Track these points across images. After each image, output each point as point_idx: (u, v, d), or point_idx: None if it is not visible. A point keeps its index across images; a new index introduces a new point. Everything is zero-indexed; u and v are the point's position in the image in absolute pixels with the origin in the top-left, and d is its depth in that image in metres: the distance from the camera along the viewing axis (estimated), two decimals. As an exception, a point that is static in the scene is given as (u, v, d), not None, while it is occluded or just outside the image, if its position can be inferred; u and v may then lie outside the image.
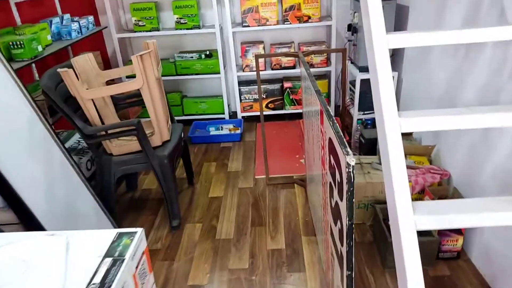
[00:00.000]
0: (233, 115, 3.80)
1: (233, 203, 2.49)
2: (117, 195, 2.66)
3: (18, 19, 2.40)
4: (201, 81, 3.79)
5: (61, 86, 2.04)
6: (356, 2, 2.78)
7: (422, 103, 2.55)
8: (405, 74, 2.78)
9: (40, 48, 2.18)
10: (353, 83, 3.09)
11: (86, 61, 2.23)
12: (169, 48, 3.68)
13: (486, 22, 1.73)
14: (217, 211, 2.42)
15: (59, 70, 1.92)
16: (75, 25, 2.58)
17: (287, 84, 3.53)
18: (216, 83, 3.77)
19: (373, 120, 2.97)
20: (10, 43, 2.02)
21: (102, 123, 2.23)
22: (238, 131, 3.42)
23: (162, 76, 3.49)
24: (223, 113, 3.66)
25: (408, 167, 2.12)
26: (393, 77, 2.78)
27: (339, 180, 1.19)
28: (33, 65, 2.48)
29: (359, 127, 2.92)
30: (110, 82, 2.39)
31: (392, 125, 1.23)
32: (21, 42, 2.01)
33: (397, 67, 2.85)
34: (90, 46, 3.35)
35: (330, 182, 1.39)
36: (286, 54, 2.30)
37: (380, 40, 1.31)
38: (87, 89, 2.03)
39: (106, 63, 3.67)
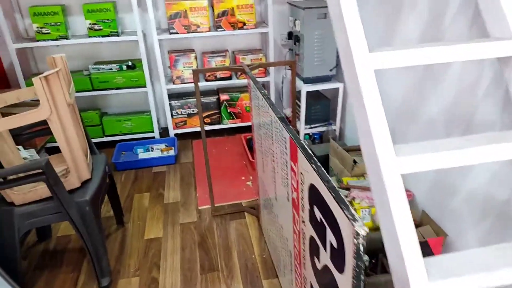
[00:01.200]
0: (163, 132, 3.38)
1: (176, 244, 2.10)
2: (26, 247, 2.12)
3: None
4: (123, 96, 3.30)
5: None
6: (296, 8, 2.57)
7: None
8: (351, 84, 2.63)
9: None
10: (298, 95, 2.88)
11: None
12: (82, 58, 3.13)
13: (453, 34, 1.59)
14: (156, 257, 2.02)
15: None
16: (-50, 34, 1.98)
17: (223, 97, 3.21)
18: (142, 97, 3.32)
19: (321, 134, 2.79)
20: None
21: (-4, 164, 1.70)
22: (172, 152, 3.02)
23: (76, 92, 2.95)
24: (152, 131, 3.22)
25: (358, 187, 1.94)
26: (338, 88, 2.62)
27: (335, 246, 0.91)
28: None
29: (306, 143, 2.71)
30: (5, 110, 1.85)
31: (389, 167, 0.98)
32: None
33: (341, 77, 2.69)
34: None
35: (312, 237, 1.11)
36: (230, 69, 1.98)
37: (362, 61, 1.05)
38: (-31, 122, 1.50)
39: (3, 81, 3.00)
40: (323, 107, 2.73)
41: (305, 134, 2.73)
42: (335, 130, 2.74)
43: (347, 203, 0.84)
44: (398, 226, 0.92)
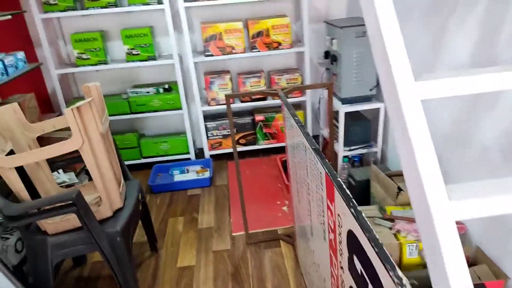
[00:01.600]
0: (199, 153, 3.36)
1: (208, 274, 2.03)
2: (61, 272, 2.13)
3: None
4: (160, 118, 3.33)
5: (-30, 152, 1.53)
6: (333, 27, 2.47)
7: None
8: (393, 104, 2.47)
9: None
10: (335, 115, 2.76)
11: (8, 113, 1.73)
12: (121, 82, 3.20)
13: (510, 56, 1.43)
14: (189, 287, 1.95)
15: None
16: (-4, 65, 2.07)
17: (259, 117, 3.15)
18: (178, 119, 3.33)
19: (361, 157, 2.64)
20: None
21: (34, 191, 1.72)
22: (207, 174, 2.98)
23: (114, 115, 3.02)
24: (188, 153, 3.21)
25: (404, 219, 1.78)
26: (379, 108, 2.47)
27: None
28: None
29: (346, 166, 2.58)
30: (44, 137, 1.89)
31: (442, 213, 0.85)
32: None
33: (382, 97, 2.54)
34: (25, 86, 2.81)
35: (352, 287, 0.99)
36: (264, 93, 1.92)
37: (408, 91, 0.93)
38: (7, 154, 1.53)
39: (47, 105, 3.12)
40: (363, 128, 2.59)
41: (344, 157, 2.60)
42: (376, 152, 2.58)
43: (393, 263, 0.73)
44: (449, 268, 0.79)
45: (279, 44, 2.92)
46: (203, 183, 2.89)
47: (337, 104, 2.54)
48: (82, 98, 3.00)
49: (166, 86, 3.05)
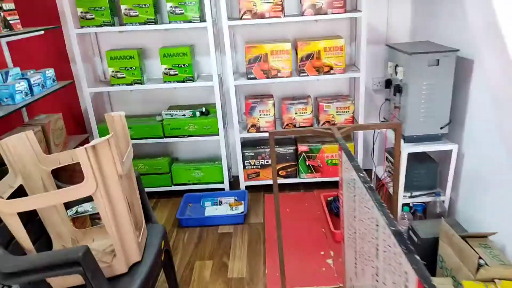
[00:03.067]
0: (234, 181, 3.07)
1: None
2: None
3: None
4: (195, 143, 3.08)
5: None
6: (398, 53, 2.12)
7: (493, 189, 1.82)
8: (467, 147, 2.06)
9: None
10: (391, 152, 2.38)
11: (22, 143, 1.51)
12: (156, 102, 2.99)
13: None
14: None
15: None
16: (21, 85, 1.88)
17: (302, 148, 2.82)
18: (214, 144, 3.07)
19: (425, 206, 2.23)
20: None
21: (37, 238, 1.48)
22: (241, 207, 2.67)
23: (146, 138, 2.80)
24: (222, 182, 2.92)
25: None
26: (451, 150, 2.07)
27: None
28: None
29: (406, 216, 2.17)
30: (62, 170, 1.66)
31: None
32: None
33: (455, 137, 2.14)
34: (56, 104, 2.66)
35: None
36: (315, 131, 1.58)
37: None
38: (16, 191, 1.30)
39: (80, 125, 2.96)
40: (428, 171, 2.19)
41: (404, 205, 2.20)
42: (443, 201, 2.17)
43: None
44: None
45: (331, 68, 2.60)
46: (237, 220, 2.58)
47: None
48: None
49: (203, 110, 2.80)
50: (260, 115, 2.74)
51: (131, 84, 2.65)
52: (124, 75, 2.63)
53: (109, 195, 1.32)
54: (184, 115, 2.80)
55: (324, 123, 2.74)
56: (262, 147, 2.88)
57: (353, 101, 2.73)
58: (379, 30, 2.76)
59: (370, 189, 1.07)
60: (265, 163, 2.87)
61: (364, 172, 1.17)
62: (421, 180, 2.19)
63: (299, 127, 2.75)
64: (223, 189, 2.94)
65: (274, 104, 2.73)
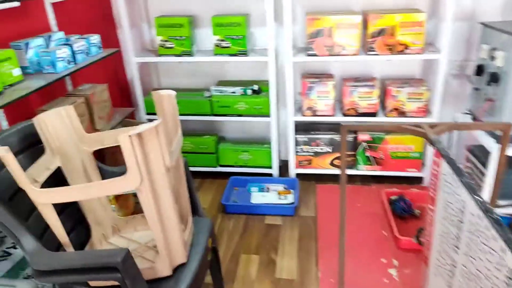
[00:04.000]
0: (283, 167, 2.84)
1: None
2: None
3: (-26, 43, 1.56)
4: (243, 123, 2.86)
5: (5, 175, 1.16)
6: (498, 33, 1.74)
7: None
8: None
9: None
10: (475, 152, 2.04)
11: (59, 119, 1.34)
12: (205, 75, 2.77)
13: None
14: None
15: (-9, 151, 1.03)
16: (63, 51, 1.71)
17: (363, 136, 2.52)
18: (264, 126, 2.83)
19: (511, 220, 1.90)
20: None
21: (75, 224, 1.33)
22: (290, 197, 2.45)
23: (192, 115, 2.61)
24: (271, 167, 2.70)
25: None
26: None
27: None
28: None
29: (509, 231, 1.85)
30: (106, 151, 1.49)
31: None
32: None
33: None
34: (102, 73, 2.50)
35: None
36: (401, 128, 1.29)
37: None
38: (53, 174, 1.13)
39: (125, 97, 2.81)
40: (520, 177, 1.84)
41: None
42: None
43: None
44: None
45: (406, 47, 2.24)
46: (286, 211, 2.36)
47: (485, 139, 1.82)
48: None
49: (256, 88, 2.55)
50: (318, 97, 2.45)
51: (179, 55, 2.44)
52: (173, 45, 2.41)
53: (154, 190, 1.13)
54: (234, 92, 2.56)
55: (391, 111, 2.42)
56: (317, 132, 2.60)
57: (429, 87, 2.36)
58: (462, 4, 2.34)
59: (498, 224, 0.79)
60: (320, 150, 2.61)
61: (481, 196, 0.88)
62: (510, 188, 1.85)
63: (363, 113, 2.44)
64: (271, 174, 2.72)
65: (334, 86, 2.43)
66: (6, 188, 1.15)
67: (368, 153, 2.55)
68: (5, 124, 1.69)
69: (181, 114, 2.57)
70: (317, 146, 2.60)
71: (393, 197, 2.31)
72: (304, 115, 2.51)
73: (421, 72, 2.56)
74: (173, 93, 1.30)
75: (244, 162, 2.72)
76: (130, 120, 2.38)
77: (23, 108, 1.83)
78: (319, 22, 2.26)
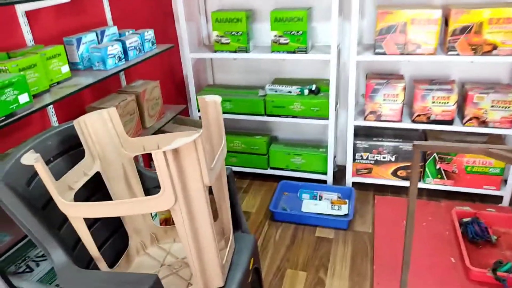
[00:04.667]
0: (337, 172, 2.63)
1: None
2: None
3: (28, 37, 1.54)
4: (298, 124, 2.68)
5: (40, 181, 1.11)
6: None
7: None
8: None
9: (22, 99, 1.20)
10: None
11: (102, 121, 1.27)
12: (260, 72, 2.63)
13: None
14: None
15: (26, 159, 0.97)
16: (114, 48, 1.65)
17: (433, 147, 2.22)
18: (320, 129, 2.64)
19: None
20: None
21: (113, 231, 1.26)
22: (345, 208, 2.25)
23: (245, 114, 2.50)
24: (325, 173, 2.50)
25: None
26: None
27: None
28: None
29: None
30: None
31: None
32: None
33: None
34: (156, 68, 2.46)
35: None
36: (500, 156, 1.04)
37: None
38: (92, 178, 1.06)
39: (179, 93, 2.76)
40: None
41: None
42: None
43: None
44: None
45: (495, 47, 1.91)
46: (339, 224, 2.17)
47: None
48: (215, 89, 2.54)
49: (313, 87, 2.35)
50: (384, 100, 2.20)
51: (235, 52, 2.31)
52: (229, 41, 2.29)
53: (190, 211, 1.01)
54: (290, 92, 2.39)
55: (470, 119, 2.10)
56: (380, 139, 2.35)
57: (519, 94, 2.01)
58: None
59: None
60: (381, 159, 2.36)
61: None
62: None
63: (435, 121, 2.15)
64: (325, 181, 2.53)
65: (404, 88, 2.16)
66: (40, 196, 1.10)
67: (439, 165, 2.26)
68: (54, 120, 1.68)
69: (233, 113, 2.46)
70: (379, 154, 2.35)
71: (465, 220, 2.02)
72: (366, 120, 2.27)
73: (507, 76, 2.20)
74: (219, 99, 1.17)
75: (296, 166, 2.55)
76: (182, 117, 2.31)
77: (74, 105, 1.81)
78: (392, 17, 2.00)
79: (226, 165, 1.34)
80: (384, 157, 2.35)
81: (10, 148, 1.49)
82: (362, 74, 2.42)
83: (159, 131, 2.01)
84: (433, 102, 2.12)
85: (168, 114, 2.19)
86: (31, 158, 0.95)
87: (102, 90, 1.97)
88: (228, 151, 2.59)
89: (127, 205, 0.96)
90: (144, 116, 1.95)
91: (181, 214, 0.99)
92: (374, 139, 2.36)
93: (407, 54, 2.04)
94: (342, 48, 2.39)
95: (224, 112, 2.47)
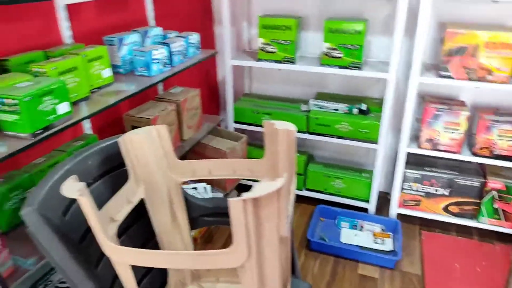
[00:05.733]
0: (380, 200, 2.42)
1: None
2: None
3: (66, 33, 1.37)
4: (342, 144, 2.48)
5: (78, 210, 0.93)
6: None
7: None
8: None
9: (62, 109, 1.04)
10: None
11: (150, 140, 1.09)
12: (304, 84, 2.44)
13: None
14: None
15: (68, 190, 0.79)
16: (160, 52, 1.47)
17: (494, 183, 2.01)
18: (366, 152, 2.43)
19: None
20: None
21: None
22: (389, 243, 2.04)
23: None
24: (367, 201, 2.29)
25: None
26: None
27: None
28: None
29: None
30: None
31: None
32: (14, 102, 0.92)
33: None
34: (192, 74, 2.28)
35: None
36: None
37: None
38: (136, 207, 0.88)
39: (213, 101, 2.58)
40: None
41: None
42: None
43: None
44: None
45: None
46: (384, 262, 1.96)
47: None
48: (253, 100, 2.31)
49: (364, 107, 2.15)
50: (445, 128, 1.98)
51: (280, 62, 2.12)
52: (275, 50, 2.10)
53: (260, 266, 0.82)
54: (337, 109, 2.19)
55: (542, 158, 1.88)
56: (434, 169, 2.14)
57: None
58: None
59: None
60: (433, 191, 2.14)
61: None
62: None
63: (500, 156, 1.93)
64: (365, 209, 2.32)
65: (468, 118, 1.94)
66: (77, 227, 0.92)
67: (497, 205, 2.04)
68: (88, 127, 1.50)
69: (273, 128, 2.27)
70: (431, 186, 2.14)
71: (533, 272, 1.80)
72: (420, 147, 2.06)
73: None
74: (293, 128, 0.98)
75: (336, 190, 2.34)
76: (220, 129, 2.13)
77: (109, 110, 1.64)
78: (463, 38, 1.79)
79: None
80: (436, 190, 2.14)
81: (38, 157, 1.31)
82: (418, 95, 2.21)
83: (198, 144, 1.82)
84: (499, 135, 1.91)
85: (205, 126, 2.01)
86: (74, 190, 0.77)
87: (139, 96, 1.80)
88: (261, 168, 2.40)
89: (188, 258, 0.77)
90: (183, 127, 1.77)
91: (251, 272, 0.80)
92: (427, 169, 2.14)
93: (477, 79, 1.83)
94: (401, 67, 2.18)
95: (262, 126, 2.28)
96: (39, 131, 0.96)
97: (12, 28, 1.19)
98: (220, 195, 2.13)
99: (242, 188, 2.52)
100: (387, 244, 2.06)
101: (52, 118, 1.00)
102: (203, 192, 2.05)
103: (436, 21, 2.06)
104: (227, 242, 2.10)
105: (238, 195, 2.44)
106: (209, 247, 2.05)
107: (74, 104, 1.17)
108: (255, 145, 2.48)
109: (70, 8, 1.38)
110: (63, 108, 1.02)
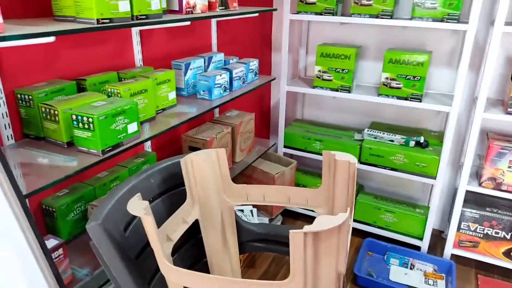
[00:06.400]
0: (433, 238, 2.29)
1: None
2: None
3: (137, 57, 1.47)
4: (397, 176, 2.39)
5: (138, 227, 0.97)
6: None
7: None
8: None
9: (131, 129, 1.10)
10: None
11: (209, 162, 1.12)
12: (357, 113, 2.40)
13: None
14: None
15: (133, 208, 0.83)
16: (222, 78, 1.53)
17: None
18: (421, 185, 2.33)
19: None
20: (74, 116, 1.02)
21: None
22: (441, 284, 1.91)
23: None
24: (420, 239, 2.17)
25: None
26: None
27: None
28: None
29: None
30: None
31: None
32: (89, 120, 0.99)
33: None
34: (247, 98, 2.34)
35: None
36: None
37: None
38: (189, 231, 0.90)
39: (264, 126, 2.61)
40: None
41: None
42: None
43: None
44: None
45: None
46: (438, 306, 1.84)
47: None
48: (304, 126, 2.30)
49: (421, 139, 2.07)
50: (509, 167, 1.86)
51: (336, 90, 2.12)
52: (331, 78, 2.11)
53: (315, 302, 0.80)
54: (392, 140, 2.13)
55: None
56: (495, 210, 2.00)
57: None
58: None
59: None
60: (493, 233, 2.00)
61: None
62: None
63: None
64: (418, 248, 2.20)
65: (538, 158, 1.81)
66: (135, 243, 0.96)
67: None
68: (148, 145, 1.58)
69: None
70: (491, 227, 2.00)
71: None
72: (482, 186, 1.94)
73: None
74: (354, 160, 0.97)
75: (386, 224, 2.25)
76: (269, 152, 2.14)
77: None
78: (534, 73, 1.69)
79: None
80: (496, 232, 1.99)
81: (102, 171, 1.39)
82: (483, 132, 2.10)
83: (249, 167, 1.85)
84: None
85: (256, 149, 2.03)
86: (140, 208, 0.80)
87: (196, 118, 1.86)
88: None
89: (245, 286, 0.77)
90: (236, 150, 1.80)
91: (304, 307, 0.78)
92: (488, 209, 2.01)
93: (550, 118, 1.71)
94: (465, 100, 2.09)
95: (312, 152, 2.27)
96: (108, 148, 1.02)
97: (92, 50, 1.30)
98: (265, 219, 2.13)
99: (288, 213, 2.49)
100: (439, 286, 1.94)
101: (122, 136, 1.06)
102: (249, 215, 2.06)
103: (504, 56, 1.96)
104: (269, 268, 2.08)
105: (283, 221, 2.42)
106: (251, 271, 2.04)
107: (141, 123, 1.24)
108: (303, 171, 2.46)
109: (142, 33, 1.48)
110: (132, 127, 1.09)
